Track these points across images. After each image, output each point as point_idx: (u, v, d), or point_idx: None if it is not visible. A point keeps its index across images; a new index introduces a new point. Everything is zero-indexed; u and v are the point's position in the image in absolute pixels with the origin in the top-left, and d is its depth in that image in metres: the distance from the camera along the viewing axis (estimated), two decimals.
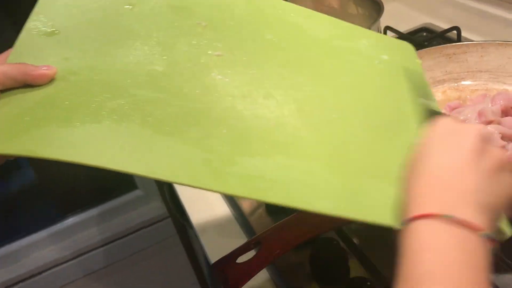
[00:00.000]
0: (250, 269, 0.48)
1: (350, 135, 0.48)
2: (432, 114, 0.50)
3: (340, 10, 0.92)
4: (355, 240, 0.63)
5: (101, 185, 2.21)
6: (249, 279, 0.48)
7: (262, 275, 0.66)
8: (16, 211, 2.39)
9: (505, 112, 0.67)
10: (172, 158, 0.40)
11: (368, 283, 0.55)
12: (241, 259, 0.50)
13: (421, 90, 0.56)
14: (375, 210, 0.42)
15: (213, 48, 0.50)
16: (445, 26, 1.06)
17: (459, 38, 0.97)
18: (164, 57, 0.48)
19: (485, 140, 0.41)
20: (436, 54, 0.78)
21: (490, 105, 0.67)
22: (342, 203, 0.42)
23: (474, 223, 0.36)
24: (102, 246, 2.20)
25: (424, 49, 0.79)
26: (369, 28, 0.79)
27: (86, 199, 2.21)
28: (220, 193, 0.38)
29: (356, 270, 0.61)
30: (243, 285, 0.48)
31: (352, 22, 0.88)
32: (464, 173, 0.39)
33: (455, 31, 0.97)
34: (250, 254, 0.51)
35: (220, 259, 0.50)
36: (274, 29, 0.56)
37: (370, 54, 0.58)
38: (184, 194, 0.84)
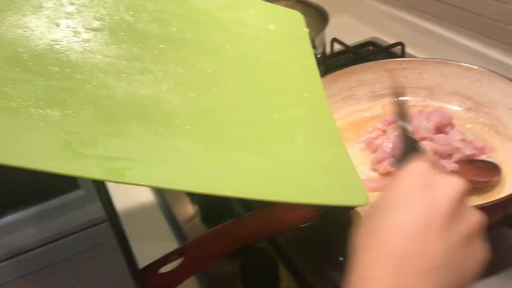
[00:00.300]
0: (173, 280, 0.47)
1: (230, 109, 0.48)
2: (408, 144, 0.45)
3: None
4: (287, 251, 0.63)
5: (41, 183, 2.13)
6: None
7: (192, 285, 0.64)
8: None
9: (439, 129, 0.68)
10: (29, 141, 0.37)
11: None
12: (165, 269, 0.48)
13: (307, 60, 0.57)
14: (246, 185, 0.42)
15: (87, 24, 0.48)
16: (391, 41, 1.08)
17: (403, 54, 0.99)
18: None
19: (464, 198, 0.35)
20: (377, 69, 0.79)
21: (425, 122, 0.68)
22: (209, 180, 0.41)
23: None
24: (40, 247, 2.11)
25: (365, 63, 0.79)
26: (314, 39, 0.79)
27: (25, 197, 2.12)
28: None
29: (286, 281, 0.61)
30: None
31: None
32: (431, 243, 0.32)
33: (399, 47, 0.99)
34: (176, 263, 0.49)
35: (142, 268, 0.48)
36: (155, 0, 0.54)
37: (257, 25, 0.58)
38: (119, 198, 0.82)
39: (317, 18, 0.85)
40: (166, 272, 0.47)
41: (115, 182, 0.38)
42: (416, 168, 0.36)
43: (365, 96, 0.80)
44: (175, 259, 0.49)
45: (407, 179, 0.36)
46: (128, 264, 0.72)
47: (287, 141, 0.49)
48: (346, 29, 1.22)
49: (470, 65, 0.75)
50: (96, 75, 0.44)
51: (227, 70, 0.51)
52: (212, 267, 0.63)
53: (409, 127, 0.47)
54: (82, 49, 0.45)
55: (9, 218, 2.11)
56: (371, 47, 1.10)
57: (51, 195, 2.15)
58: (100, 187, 0.90)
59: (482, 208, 0.52)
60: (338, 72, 0.78)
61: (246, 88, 0.51)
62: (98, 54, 0.46)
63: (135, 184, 0.39)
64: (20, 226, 2.11)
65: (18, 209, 2.13)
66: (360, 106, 0.80)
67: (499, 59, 0.89)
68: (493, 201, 0.53)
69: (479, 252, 0.34)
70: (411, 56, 1.03)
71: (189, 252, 0.48)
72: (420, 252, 0.31)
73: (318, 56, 0.82)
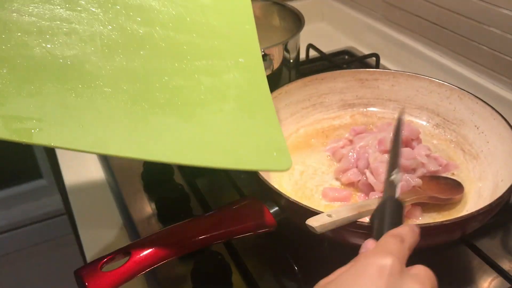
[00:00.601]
0: (114, 279, 0.44)
1: (157, 73, 0.47)
2: (392, 212, 0.44)
3: (263, 20, 0.90)
4: (242, 257, 0.60)
5: (2, 169, 2.06)
6: None
7: (139, 284, 0.62)
8: None
9: (405, 143, 0.67)
10: None
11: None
12: (109, 268, 0.46)
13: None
14: (166, 149, 0.42)
15: None
16: (366, 51, 1.08)
17: (377, 65, 0.98)
18: None
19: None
20: (349, 78, 0.78)
21: (392, 135, 0.67)
22: (126, 143, 0.41)
23: None
24: None
25: (338, 71, 0.78)
26: (287, 42, 0.77)
27: None
28: None
29: (239, 286, 0.59)
30: None
31: (273, 34, 0.87)
32: None
33: (374, 58, 0.99)
34: (121, 263, 0.47)
35: (83, 266, 0.45)
36: None
37: None
38: (73, 191, 0.79)
39: (293, 22, 0.84)
40: (108, 271, 0.44)
41: (22, 142, 0.38)
42: (378, 266, 0.34)
43: (335, 104, 0.79)
44: (120, 258, 0.46)
45: (362, 280, 0.33)
46: (84, 260, 0.69)
47: (216, 107, 0.49)
48: (323, 36, 1.21)
49: (442, 81, 0.74)
50: (15, 35, 0.43)
51: (160, 33, 0.50)
52: (162, 268, 0.61)
53: (399, 185, 0.46)
54: (2, 8, 0.43)
55: None
56: (346, 56, 1.09)
57: (11, 182, 2.08)
58: (59, 178, 0.87)
59: (440, 226, 0.51)
60: (309, 78, 0.77)
61: (178, 52, 0.50)
62: (19, 14, 0.44)
63: (43, 145, 0.38)
64: None
65: None
66: (330, 114, 0.79)
67: (471, 78, 0.89)
68: (451, 219, 0.52)
69: None
70: (385, 68, 1.02)
71: (135, 251, 0.46)
72: None
73: (291, 60, 0.80)
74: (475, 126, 0.70)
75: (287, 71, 0.81)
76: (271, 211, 0.56)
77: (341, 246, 0.55)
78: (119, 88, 0.44)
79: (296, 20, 0.82)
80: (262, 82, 0.56)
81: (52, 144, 0.39)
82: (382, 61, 1.04)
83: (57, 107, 0.40)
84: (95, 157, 0.83)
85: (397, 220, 0.43)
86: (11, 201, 2.04)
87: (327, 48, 1.09)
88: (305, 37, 1.04)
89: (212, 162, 0.44)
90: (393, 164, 0.49)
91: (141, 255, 0.46)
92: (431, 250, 0.61)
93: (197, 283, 0.58)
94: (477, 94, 0.71)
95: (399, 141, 0.51)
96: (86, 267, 0.45)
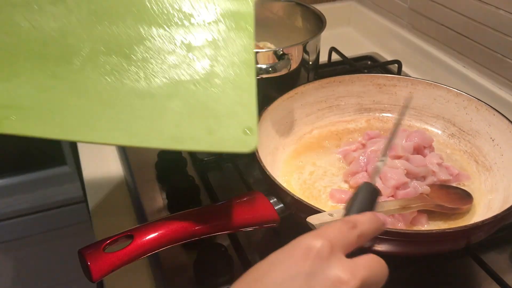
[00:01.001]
0: (115, 260, 0.45)
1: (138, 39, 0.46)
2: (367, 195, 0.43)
3: (285, 20, 0.91)
4: (246, 250, 0.61)
5: (28, 153, 2.12)
6: (113, 270, 0.45)
7: (144, 271, 0.63)
8: None
9: (417, 150, 0.67)
10: None
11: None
12: (112, 249, 0.47)
13: None
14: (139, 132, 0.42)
15: None
16: (389, 58, 1.08)
17: (399, 72, 0.98)
18: None
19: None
20: (367, 82, 0.78)
21: (404, 141, 0.67)
22: (107, 129, 0.41)
23: None
24: (17, 217, 2.10)
25: (356, 74, 0.78)
26: (307, 43, 0.78)
27: (9, 166, 2.11)
28: None
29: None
30: (104, 274, 0.45)
31: (295, 35, 0.88)
32: None
33: (396, 64, 0.98)
34: (124, 246, 0.48)
35: (86, 246, 0.47)
36: None
37: None
38: (89, 179, 0.81)
39: (315, 23, 0.84)
40: (110, 252, 0.46)
41: None
42: (306, 248, 0.34)
43: (351, 108, 0.79)
44: (124, 241, 0.48)
45: (287, 260, 0.34)
46: None
47: (204, 83, 0.48)
48: (348, 41, 1.21)
49: (460, 91, 0.74)
50: (3, 8, 0.42)
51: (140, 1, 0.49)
52: (167, 257, 0.62)
53: (379, 171, 0.46)
54: None
55: None
56: (369, 62, 1.09)
57: (36, 167, 2.14)
58: (80, 166, 0.89)
59: (443, 233, 0.51)
60: (326, 80, 0.77)
61: (162, 20, 0.49)
62: None
63: (15, 134, 0.38)
64: (1, 193, 2.10)
65: (1, 177, 2.11)
66: (345, 117, 0.79)
67: (492, 90, 0.88)
68: (455, 227, 0.52)
69: None
70: (406, 75, 1.02)
71: (138, 235, 0.47)
72: None
73: (310, 62, 0.81)
74: (491, 138, 0.69)
75: (306, 72, 0.81)
76: (276, 207, 0.56)
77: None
78: (98, 62, 0.43)
79: (319, 22, 0.82)
80: (246, 52, 0.54)
81: (25, 133, 0.38)
82: (404, 69, 1.04)
83: (33, 91, 0.40)
84: (113, 147, 0.85)
85: (366, 206, 0.41)
86: (35, 185, 2.10)
87: (351, 53, 1.09)
88: (329, 41, 1.05)
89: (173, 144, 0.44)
90: (383, 151, 0.48)
91: (143, 239, 0.47)
92: (436, 259, 0.61)
93: (200, 273, 0.59)
94: (499, 107, 0.71)
95: (397, 130, 0.50)
96: (89, 247, 0.47)
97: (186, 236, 0.49)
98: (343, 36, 1.24)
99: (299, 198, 0.54)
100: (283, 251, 0.35)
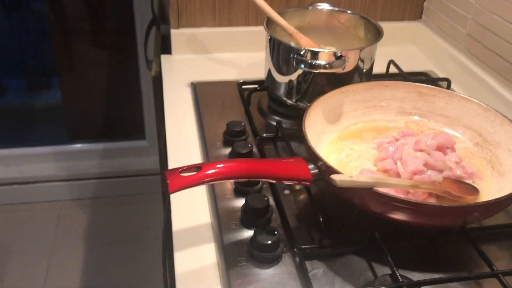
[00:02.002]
0: (187, 181, 0.62)
1: None
2: None
3: (350, 29, 1.05)
4: (283, 205, 0.77)
5: (114, 125, 2.38)
6: (184, 187, 0.62)
7: (206, 213, 0.80)
8: (33, 123, 2.58)
9: (440, 148, 0.80)
10: None
11: (276, 232, 0.69)
12: (185, 173, 0.64)
13: None
14: None
15: None
16: (442, 76, 1.19)
17: (448, 88, 1.09)
18: None
19: None
20: (411, 89, 0.91)
21: (429, 139, 0.80)
22: None
23: None
24: (96, 179, 2.36)
25: (402, 81, 0.92)
26: (364, 49, 0.92)
27: (97, 132, 2.38)
28: None
29: (275, 223, 0.75)
30: (177, 189, 0.62)
31: (356, 43, 1.03)
32: None
33: (446, 82, 1.10)
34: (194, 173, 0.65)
35: (168, 169, 0.64)
36: None
37: None
38: (172, 150, 0.97)
39: (375, 35, 0.98)
40: (184, 175, 0.63)
41: None
42: None
43: (393, 110, 0.93)
44: (194, 171, 0.65)
45: None
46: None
47: None
48: (410, 57, 1.33)
49: (489, 107, 0.85)
50: None
51: None
52: (222, 198, 0.79)
53: None
54: None
55: (78, 146, 2.37)
56: (423, 77, 1.21)
57: (118, 137, 2.39)
58: (161, 142, 1.06)
59: (442, 207, 0.64)
60: (374, 82, 0.91)
61: None
62: None
63: None
64: (85, 156, 2.37)
65: (88, 141, 2.38)
66: (387, 117, 0.92)
67: None
68: (452, 203, 0.65)
69: None
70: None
71: (204, 167, 0.64)
72: None
73: (364, 69, 0.95)
74: (509, 149, 0.81)
75: (359, 76, 0.96)
76: (311, 171, 0.72)
77: (366, 216, 0.69)
78: None
79: (378, 35, 0.97)
80: None
81: None
82: (454, 87, 1.15)
83: None
84: (194, 120, 1.04)
85: None
86: (115, 153, 2.35)
87: (409, 68, 1.22)
88: (392, 55, 1.19)
89: None
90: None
91: (208, 171, 0.64)
92: (437, 240, 0.73)
93: (246, 215, 0.75)
94: None
95: None
96: (170, 170, 0.64)
97: (239, 175, 0.66)
98: (406, 52, 1.36)
99: (329, 164, 0.69)
100: None
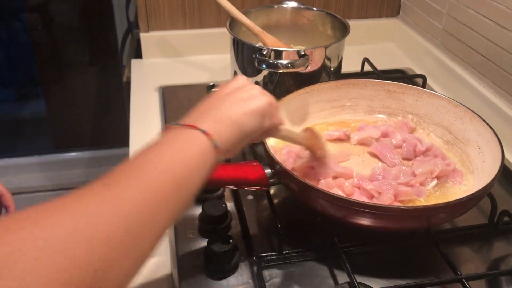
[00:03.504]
0: None
1: None
2: None
3: (317, 27, 1.02)
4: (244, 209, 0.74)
5: (99, 133, 2.35)
6: None
7: None
8: (19, 133, 2.55)
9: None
10: None
11: (231, 240, 0.66)
12: None
13: None
14: None
15: None
16: (419, 72, 1.16)
17: (423, 85, 1.06)
18: None
19: (256, 90, 0.55)
20: (379, 87, 0.88)
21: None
22: None
23: (203, 128, 0.47)
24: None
25: (370, 79, 0.88)
26: (329, 46, 0.89)
27: (83, 141, 2.35)
28: None
29: (235, 229, 0.72)
30: None
31: (325, 41, 1.00)
32: (221, 102, 0.52)
33: (421, 78, 1.07)
34: None
35: None
36: None
37: None
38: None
39: (343, 32, 0.95)
40: None
41: None
42: (237, 79, 0.57)
43: (362, 109, 0.89)
44: None
45: (227, 84, 0.56)
46: None
47: None
48: (388, 55, 1.30)
49: (458, 103, 0.82)
50: None
51: None
52: None
53: None
54: None
55: (65, 155, 2.34)
56: (400, 74, 1.17)
57: (104, 145, 2.36)
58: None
59: (404, 210, 0.61)
60: (341, 81, 0.88)
61: None
62: None
63: None
64: (72, 165, 2.33)
65: (73, 150, 2.35)
66: (356, 117, 0.89)
67: (503, 109, 0.94)
68: (415, 206, 0.62)
69: (256, 123, 0.53)
70: (430, 89, 1.10)
71: None
72: (213, 107, 0.52)
73: (331, 68, 0.92)
74: (478, 146, 0.77)
75: (327, 75, 0.93)
76: (268, 175, 0.68)
77: (329, 222, 0.66)
78: None
79: (345, 32, 0.93)
80: None
81: None
82: (431, 83, 1.12)
83: None
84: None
85: None
86: (102, 161, 2.31)
87: (387, 66, 1.19)
88: (370, 53, 1.16)
89: None
90: None
91: None
92: (403, 243, 0.70)
93: (203, 223, 0.72)
94: (508, 125, 0.77)
95: None
96: None
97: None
98: (384, 50, 1.33)
99: (286, 168, 0.66)
100: (228, 82, 0.57)
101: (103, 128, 2.36)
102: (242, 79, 0.57)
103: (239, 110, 0.51)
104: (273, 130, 0.59)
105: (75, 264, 0.33)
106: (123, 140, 2.37)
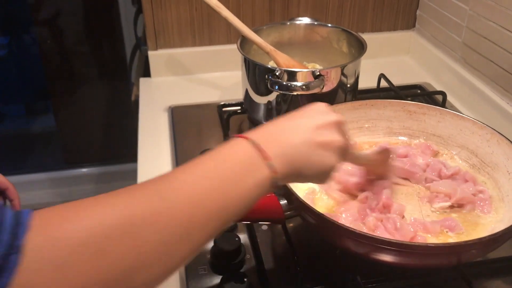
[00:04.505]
0: None
1: None
2: None
3: (334, 44, 0.98)
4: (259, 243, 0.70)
5: (109, 149, 2.32)
6: None
7: None
8: (29, 149, 2.54)
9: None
10: None
11: (245, 279, 0.61)
12: None
13: None
14: None
15: None
16: (440, 89, 1.11)
17: (443, 102, 1.01)
18: None
19: (336, 124, 0.52)
20: (398, 108, 0.83)
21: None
22: None
23: (265, 151, 0.45)
24: None
25: (389, 100, 0.84)
26: (346, 66, 0.85)
27: (92, 157, 2.33)
28: None
29: (249, 264, 0.68)
30: None
31: (340, 58, 0.95)
32: (295, 132, 0.49)
33: (441, 95, 1.02)
34: None
35: None
36: None
37: None
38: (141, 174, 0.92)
39: (359, 49, 0.91)
40: None
41: None
42: (316, 105, 0.54)
43: (381, 131, 0.85)
44: None
45: (306, 109, 0.53)
46: None
47: None
48: (404, 69, 1.26)
49: (484, 124, 0.77)
50: None
51: None
52: None
53: None
54: None
55: (74, 172, 2.32)
56: (419, 91, 1.12)
57: (114, 161, 2.33)
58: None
59: (433, 247, 0.56)
60: (359, 102, 0.83)
61: None
62: None
63: None
64: (81, 181, 2.31)
65: (83, 165, 2.33)
66: (374, 139, 0.85)
67: None
68: (445, 243, 0.57)
69: (326, 159, 0.50)
70: (451, 106, 1.05)
71: None
72: (285, 133, 0.49)
73: (348, 85, 0.87)
74: (507, 171, 0.72)
75: (343, 94, 0.88)
76: (284, 208, 0.64)
77: (349, 256, 0.62)
78: None
79: (362, 49, 0.89)
80: None
81: None
82: (451, 100, 1.07)
83: None
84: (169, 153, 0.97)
85: None
86: (111, 177, 2.29)
87: (404, 81, 1.14)
88: (385, 67, 1.12)
89: None
90: None
91: None
92: (431, 279, 0.65)
93: (215, 258, 0.68)
94: None
95: None
96: None
97: None
98: (400, 64, 1.28)
99: (302, 200, 0.62)
100: (301, 109, 0.54)
101: (113, 143, 2.34)
102: (321, 106, 0.54)
103: (308, 140, 0.49)
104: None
105: (112, 259, 0.35)
106: (133, 155, 2.36)
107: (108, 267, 0.35)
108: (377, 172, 0.72)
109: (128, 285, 0.36)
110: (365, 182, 0.71)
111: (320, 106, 0.54)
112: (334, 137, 0.51)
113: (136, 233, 0.36)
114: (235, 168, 0.44)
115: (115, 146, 2.33)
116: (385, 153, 0.72)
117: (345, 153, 0.53)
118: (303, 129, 0.50)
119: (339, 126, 0.53)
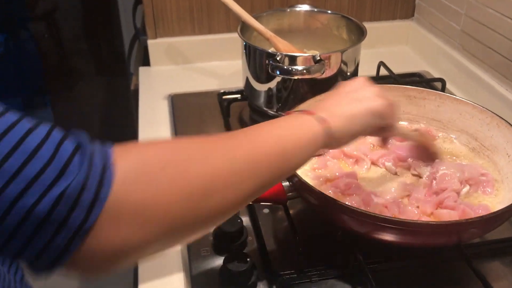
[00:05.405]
0: None
1: None
2: None
3: (333, 30, 0.98)
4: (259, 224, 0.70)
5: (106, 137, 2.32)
6: None
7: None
8: None
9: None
10: None
11: (248, 259, 0.62)
12: None
13: None
14: None
15: None
16: (437, 75, 1.12)
17: (442, 89, 1.02)
18: None
19: (370, 92, 0.59)
20: (398, 93, 0.84)
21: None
22: None
23: (315, 113, 0.53)
24: None
25: (388, 85, 0.84)
26: (345, 51, 0.85)
27: None
28: None
29: (251, 246, 0.68)
30: None
31: (340, 45, 0.96)
32: (337, 100, 0.57)
33: (440, 82, 1.03)
34: None
35: None
36: None
37: None
38: None
39: (359, 35, 0.91)
40: None
41: None
42: (357, 79, 0.61)
43: None
44: None
45: (349, 83, 0.61)
46: None
47: None
48: (403, 58, 1.26)
49: (484, 108, 0.78)
50: None
51: None
52: None
53: None
54: None
55: None
56: (417, 78, 1.13)
57: None
58: None
59: (433, 225, 0.57)
60: None
61: None
62: None
63: None
64: None
65: None
66: None
67: None
68: (445, 221, 0.57)
69: (367, 121, 0.57)
70: (450, 93, 1.05)
71: None
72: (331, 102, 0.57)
73: (348, 72, 0.88)
74: (507, 154, 0.73)
75: (343, 81, 0.89)
76: (286, 189, 0.65)
77: (351, 237, 0.63)
78: None
79: (361, 35, 0.89)
80: None
81: None
82: (450, 87, 1.08)
83: None
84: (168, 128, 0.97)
85: None
86: None
87: (403, 69, 1.14)
88: (385, 56, 1.12)
89: None
90: None
91: None
92: (432, 259, 0.66)
93: (218, 240, 0.68)
94: None
95: None
96: None
97: None
98: (399, 53, 1.29)
99: (304, 180, 0.62)
100: (345, 83, 0.61)
101: (111, 138, 2.33)
102: (361, 80, 0.61)
103: (353, 109, 0.56)
104: (388, 128, 0.62)
105: (192, 178, 0.42)
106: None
107: (189, 184, 0.41)
108: (427, 146, 0.75)
109: (206, 203, 0.42)
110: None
111: (358, 81, 0.61)
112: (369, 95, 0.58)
113: (211, 159, 0.44)
114: (295, 123, 0.53)
115: (114, 141, 2.32)
116: (426, 136, 0.77)
117: (386, 109, 0.59)
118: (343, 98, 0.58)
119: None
